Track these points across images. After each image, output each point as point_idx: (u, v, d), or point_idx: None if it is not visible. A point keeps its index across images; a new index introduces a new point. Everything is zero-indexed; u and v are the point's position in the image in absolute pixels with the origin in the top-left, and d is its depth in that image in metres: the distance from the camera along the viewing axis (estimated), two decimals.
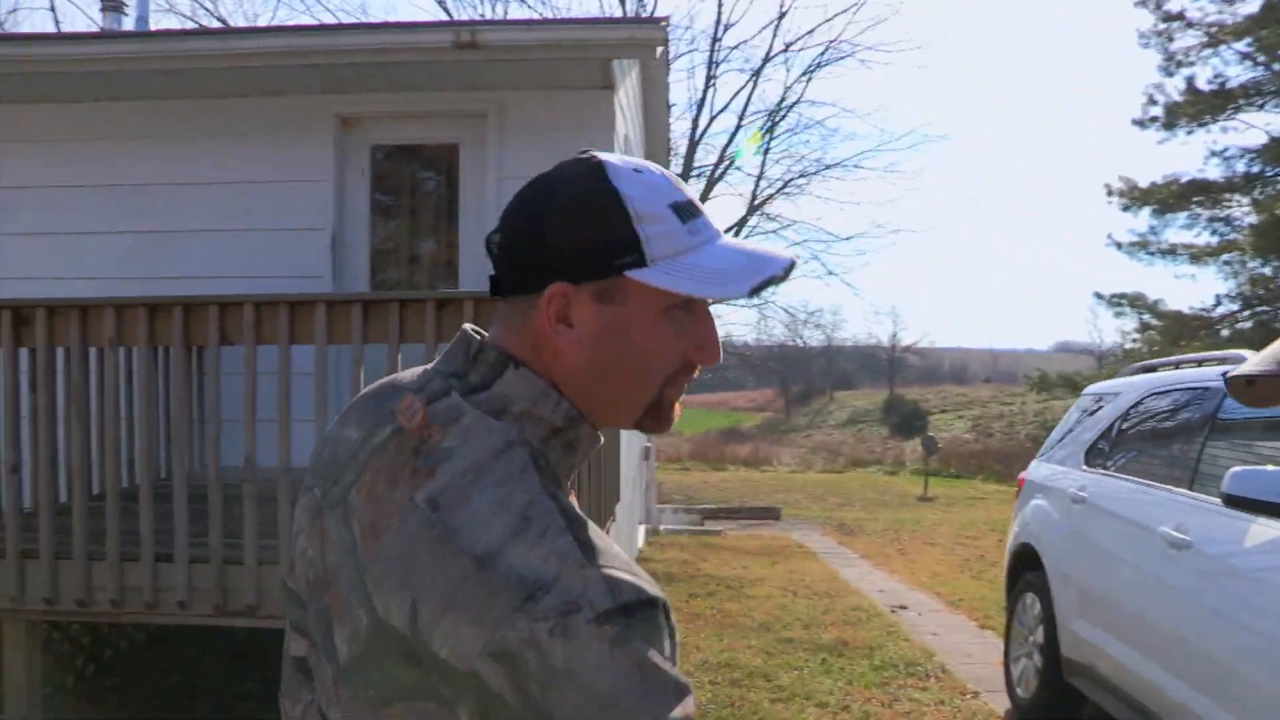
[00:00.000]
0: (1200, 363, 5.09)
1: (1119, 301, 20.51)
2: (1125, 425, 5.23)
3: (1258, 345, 10.68)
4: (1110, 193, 19.72)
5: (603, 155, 1.01)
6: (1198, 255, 19.33)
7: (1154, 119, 18.89)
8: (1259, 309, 16.61)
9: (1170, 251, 19.67)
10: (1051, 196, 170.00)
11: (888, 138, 54.16)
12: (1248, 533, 3.73)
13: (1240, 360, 4.60)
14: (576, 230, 0.96)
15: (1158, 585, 4.23)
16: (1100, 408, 5.62)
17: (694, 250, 0.98)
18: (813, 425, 47.65)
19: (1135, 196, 19.57)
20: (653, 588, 0.88)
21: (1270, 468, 3.61)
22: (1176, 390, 4.91)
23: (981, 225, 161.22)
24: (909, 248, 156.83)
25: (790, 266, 1.00)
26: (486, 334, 1.04)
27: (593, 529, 0.91)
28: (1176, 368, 5.29)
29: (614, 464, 5.96)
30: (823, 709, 5.41)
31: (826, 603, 8.31)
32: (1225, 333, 18.89)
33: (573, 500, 1.04)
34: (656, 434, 1.07)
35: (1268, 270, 15.84)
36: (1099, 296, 20.50)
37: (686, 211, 0.99)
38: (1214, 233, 19.25)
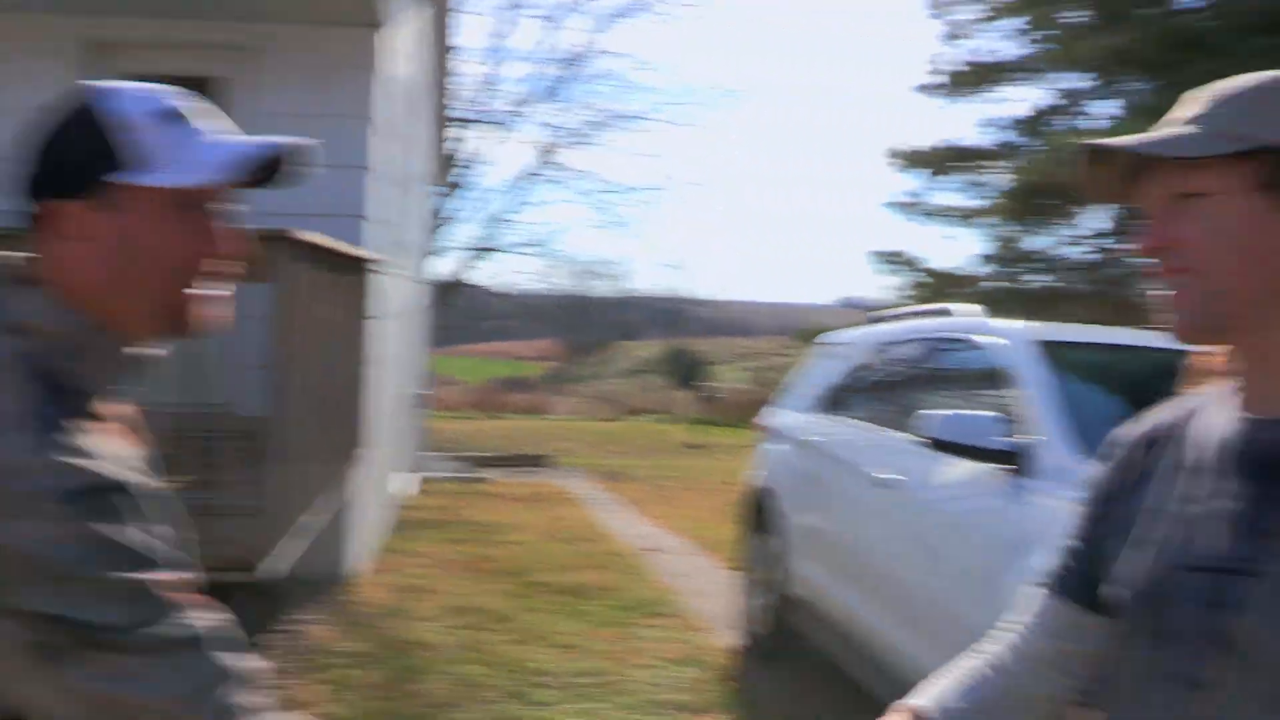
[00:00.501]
0: (922, 315, 5.37)
1: (892, 259, 21.35)
2: (854, 372, 5.47)
3: (1007, 302, 11.32)
4: (890, 155, 20.52)
5: (94, 81, 1.10)
6: (962, 217, 20.29)
7: (935, 86, 19.70)
8: (1008, 269, 17.70)
9: (939, 213, 20.60)
10: (841, 156, 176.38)
11: (681, 92, 54.73)
12: (950, 473, 3.95)
13: (946, 314, 4.91)
14: (65, 148, 1.06)
15: (870, 525, 4.46)
16: (834, 356, 5.86)
17: (186, 149, 1.07)
18: (596, 375, 48.12)
19: (912, 160, 20.37)
20: (120, 474, 0.98)
21: (970, 412, 3.80)
22: (900, 340, 5.16)
23: (772, 182, 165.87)
24: (700, 202, 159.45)
25: (292, 149, 1.11)
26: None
27: (83, 431, 0.98)
28: (906, 320, 5.56)
29: (354, 409, 5.83)
30: (559, 649, 5.49)
31: (581, 547, 8.42)
32: (985, 288, 19.99)
33: (111, 409, 1.07)
34: (184, 338, 1.12)
35: (1014, 233, 16.90)
36: (874, 254, 21.35)
37: (177, 116, 1.08)
38: (976, 196, 20.28)
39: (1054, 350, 3.92)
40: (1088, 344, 4.32)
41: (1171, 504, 1.16)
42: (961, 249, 41.64)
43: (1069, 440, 3.48)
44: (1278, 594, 1.02)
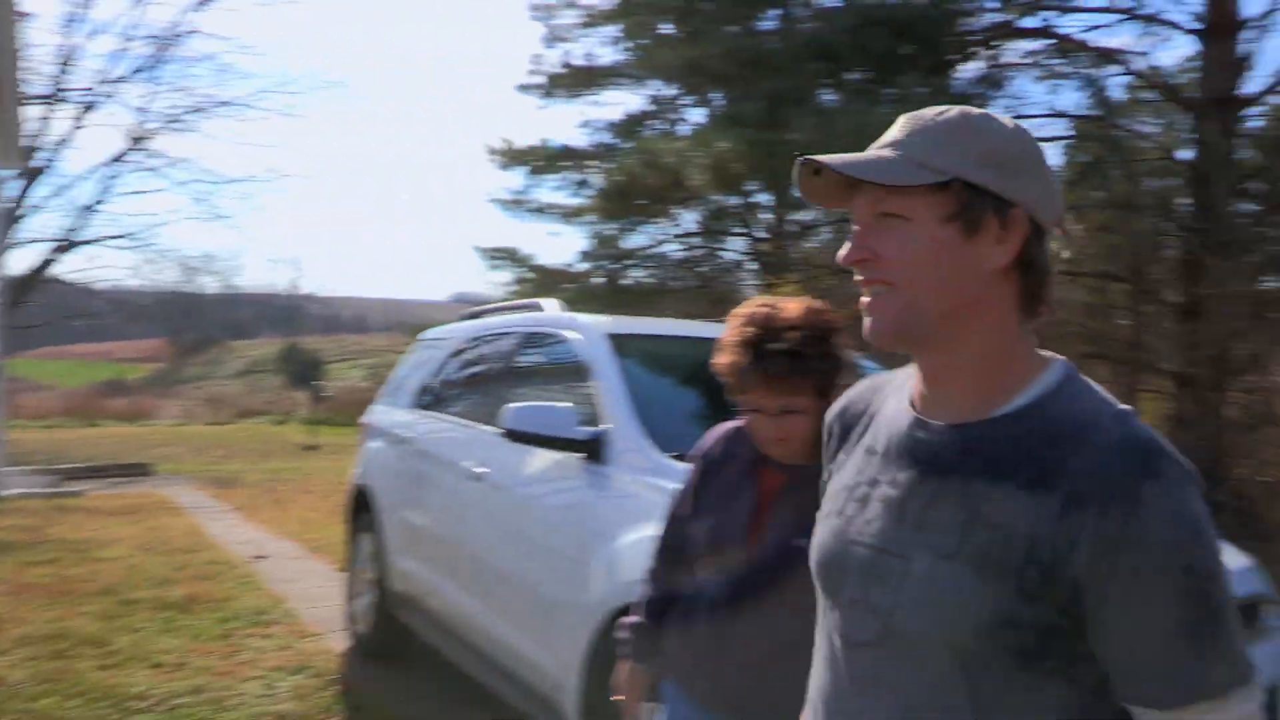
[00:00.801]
0: (513, 310, 5.61)
1: (498, 255, 21.74)
2: (447, 369, 5.63)
3: (610, 297, 11.91)
4: (491, 152, 20.84)
5: None
6: (564, 215, 20.99)
7: (536, 86, 20.21)
8: (607, 265, 18.54)
9: (542, 210, 21.19)
10: (451, 151, 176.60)
11: (286, 80, 52.70)
12: (534, 464, 4.19)
13: (537, 309, 5.18)
14: None
15: (461, 518, 4.63)
16: (430, 352, 5.99)
17: None
18: (205, 376, 45.56)
19: (512, 157, 20.80)
20: None
21: (544, 404, 3.99)
22: (488, 335, 5.35)
23: (386, 176, 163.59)
24: (310, 195, 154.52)
25: None
26: None
27: None
28: (497, 314, 5.76)
29: None
30: (158, 669, 5.25)
31: (184, 559, 8.05)
32: (591, 284, 20.82)
33: None
34: None
35: (612, 231, 17.72)
36: (480, 250, 21.63)
37: None
38: (576, 195, 21.08)
39: (623, 342, 4.23)
40: (655, 336, 4.67)
41: (856, 482, 1.33)
42: (567, 245, 43.26)
43: (637, 426, 3.79)
44: (913, 573, 1.20)
